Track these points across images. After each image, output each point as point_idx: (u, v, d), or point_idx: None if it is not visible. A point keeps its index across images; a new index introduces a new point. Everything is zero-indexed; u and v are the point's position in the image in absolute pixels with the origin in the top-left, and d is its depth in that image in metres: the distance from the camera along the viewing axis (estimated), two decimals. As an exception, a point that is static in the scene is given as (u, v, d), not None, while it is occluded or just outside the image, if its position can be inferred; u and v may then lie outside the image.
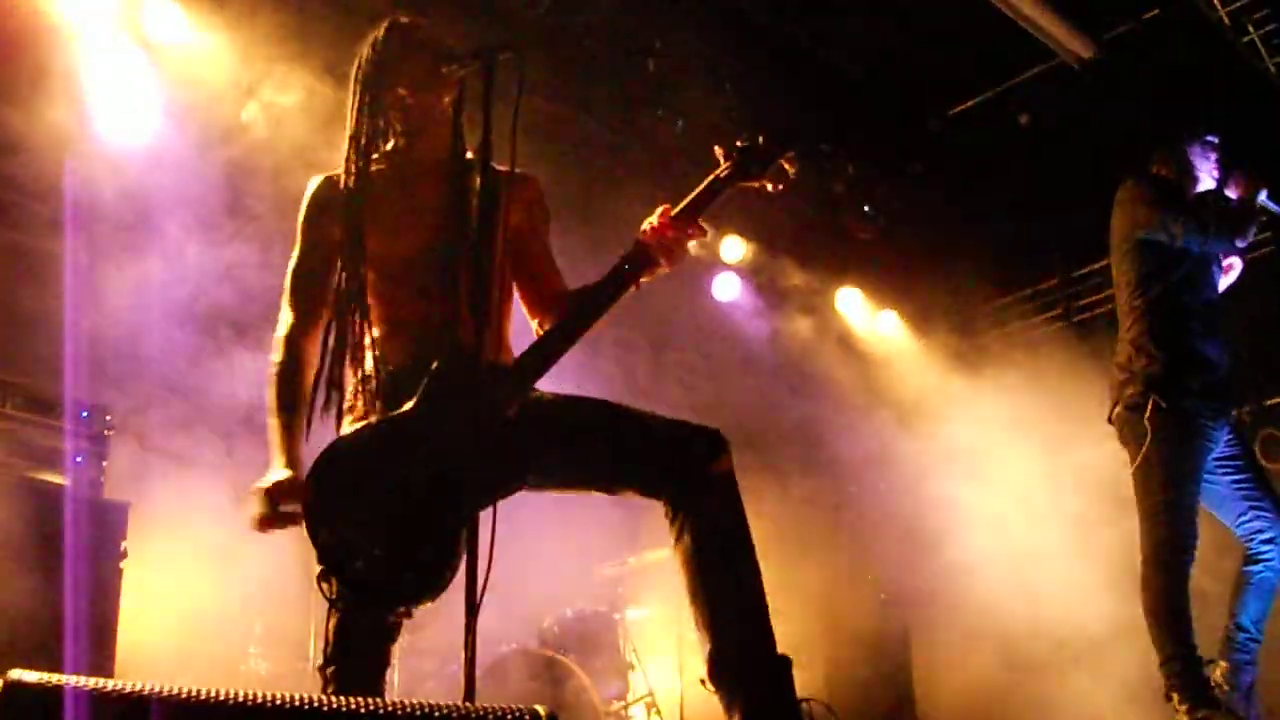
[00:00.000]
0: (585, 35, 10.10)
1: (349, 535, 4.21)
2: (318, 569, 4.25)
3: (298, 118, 8.72)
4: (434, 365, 4.44)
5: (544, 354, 4.60)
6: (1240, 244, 7.25)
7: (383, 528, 4.24)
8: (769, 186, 4.91)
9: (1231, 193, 7.37)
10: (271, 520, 4.39)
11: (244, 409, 8.79)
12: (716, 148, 4.94)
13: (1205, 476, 7.05)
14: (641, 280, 4.71)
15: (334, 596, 4.29)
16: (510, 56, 4.29)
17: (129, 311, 8.70)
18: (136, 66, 8.85)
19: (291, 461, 4.52)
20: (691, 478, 4.51)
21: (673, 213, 4.72)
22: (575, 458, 4.67)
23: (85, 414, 7.84)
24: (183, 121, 9.03)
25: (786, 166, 4.93)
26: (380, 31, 4.96)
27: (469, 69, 4.51)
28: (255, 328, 8.49)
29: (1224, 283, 7.51)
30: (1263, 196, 7.25)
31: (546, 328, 4.90)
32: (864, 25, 10.70)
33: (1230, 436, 7.19)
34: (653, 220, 4.73)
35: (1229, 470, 7.16)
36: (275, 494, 4.38)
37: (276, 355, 4.74)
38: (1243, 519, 7.14)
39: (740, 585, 4.47)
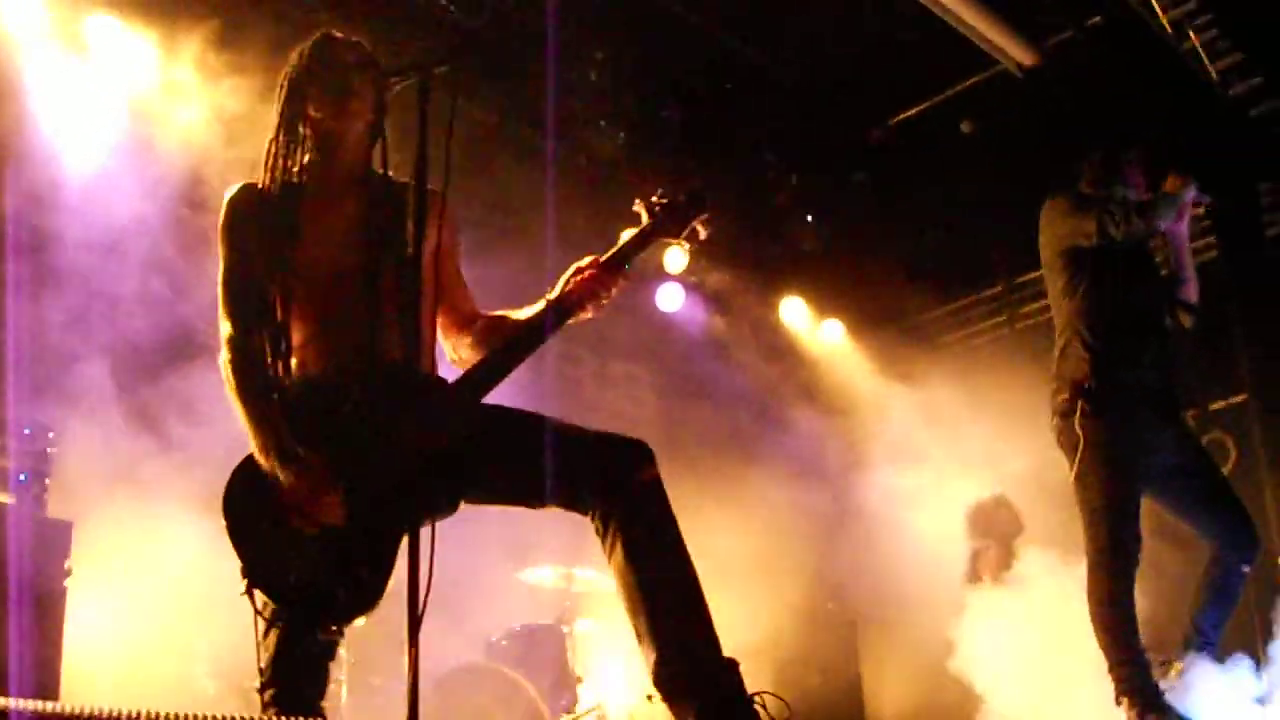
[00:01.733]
0: (526, 46, 10.06)
1: (278, 549, 4.19)
2: (244, 581, 4.24)
3: (244, 131, 8.65)
4: (365, 377, 4.43)
5: (475, 385, 4.66)
6: (1159, 225, 7.23)
7: (316, 543, 4.22)
8: (685, 246, 5.15)
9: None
10: (319, 509, 4.34)
11: (191, 426, 8.74)
12: (638, 201, 5.17)
13: (1162, 484, 7.08)
14: (568, 322, 4.85)
15: (263, 608, 4.28)
16: (446, 70, 4.27)
17: (70, 327, 8.63)
18: (79, 81, 8.82)
19: (289, 449, 4.43)
20: (618, 490, 4.52)
21: (601, 261, 4.88)
22: (502, 472, 4.68)
23: (27, 431, 7.78)
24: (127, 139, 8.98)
25: (700, 228, 5.18)
26: (308, 45, 4.95)
27: (405, 83, 4.46)
28: (202, 343, 8.43)
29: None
30: (1190, 193, 7.27)
31: (459, 351, 5.06)
32: (805, 34, 10.69)
33: (1180, 442, 7.21)
34: (581, 267, 4.88)
35: (1183, 476, 7.18)
36: (309, 485, 4.35)
37: (226, 353, 4.69)
38: (1203, 525, 7.17)
39: (678, 592, 4.47)
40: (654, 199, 5.15)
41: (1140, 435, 7.00)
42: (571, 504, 4.62)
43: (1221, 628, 7.13)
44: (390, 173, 4.90)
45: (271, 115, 4.98)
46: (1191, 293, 7.51)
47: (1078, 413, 6.99)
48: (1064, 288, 7.32)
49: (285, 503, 4.31)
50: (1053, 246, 7.41)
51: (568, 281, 4.88)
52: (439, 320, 4.95)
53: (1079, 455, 6.98)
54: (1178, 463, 7.17)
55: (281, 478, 4.34)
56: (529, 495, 4.69)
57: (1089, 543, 6.95)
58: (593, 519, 4.56)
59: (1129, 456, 6.95)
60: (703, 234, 5.19)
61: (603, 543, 4.54)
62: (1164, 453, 7.10)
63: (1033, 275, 12.75)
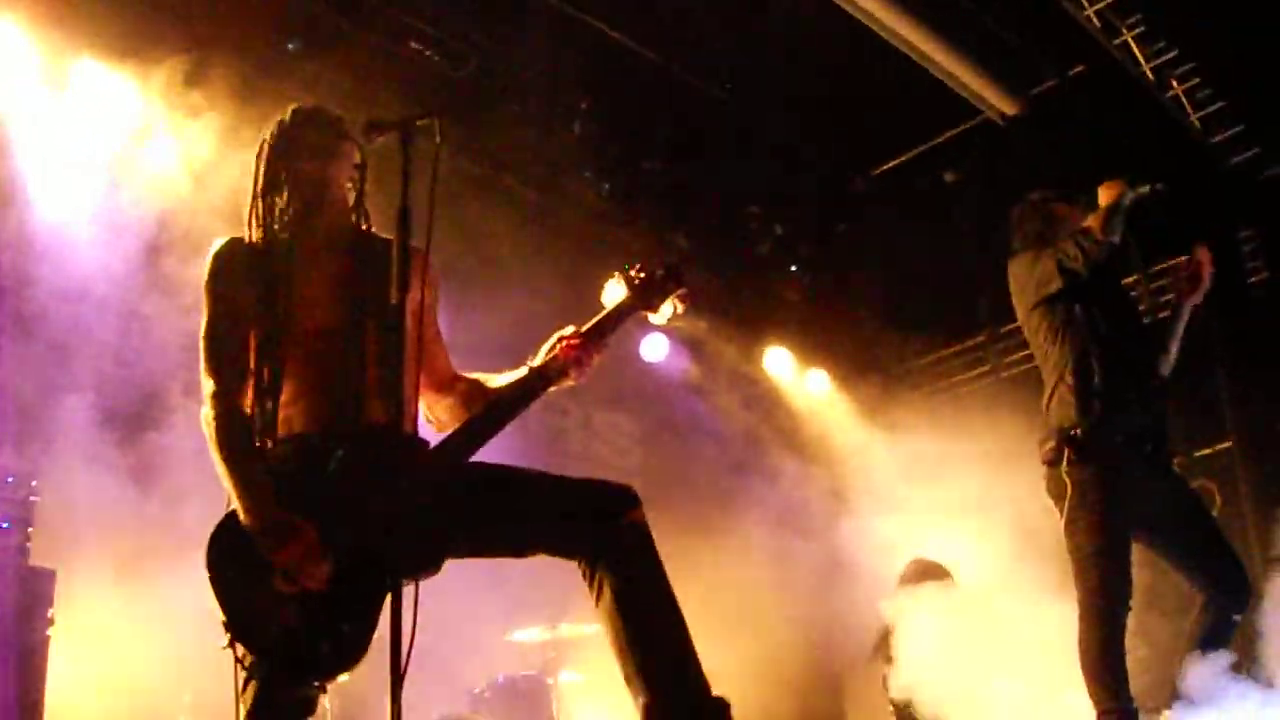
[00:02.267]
0: (511, 97, 10.08)
1: (262, 603, 4.18)
2: (226, 632, 4.23)
3: (219, 178, 8.65)
4: (349, 438, 4.43)
5: (457, 449, 4.69)
6: (1115, 239, 7.17)
7: (299, 599, 4.21)
8: (664, 320, 5.18)
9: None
10: (311, 580, 4.30)
11: (174, 472, 8.72)
12: (616, 274, 5.24)
13: (1152, 530, 7.05)
14: (550, 389, 4.93)
15: (244, 659, 4.27)
16: (429, 123, 4.28)
17: (51, 375, 8.61)
18: (64, 128, 8.83)
19: (277, 516, 4.37)
20: (604, 535, 4.55)
21: (581, 332, 4.97)
22: (487, 526, 4.69)
23: (10, 480, 7.76)
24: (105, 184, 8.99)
25: (677, 304, 5.30)
26: (286, 114, 4.98)
27: (387, 136, 4.46)
28: (182, 391, 8.43)
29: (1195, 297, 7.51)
30: (1130, 194, 7.25)
31: (434, 412, 5.10)
32: (787, 86, 10.71)
33: (1171, 488, 7.19)
34: (564, 336, 4.95)
35: (1174, 522, 7.15)
36: (305, 558, 4.30)
37: (208, 411, 4.63)
38: (1193, 572, 7.15)
39: (666, 633, 4.50)
40: (632, 272, 5.21)
41: (1129, 481, 6.95)
42: (559, 550, 4.64)
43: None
44: (373, 229, 4.95)
45: (251, 172, 5.01)
46: (1167, 365, 7.48)
47: (1064, 461, 6.98)
48: (1045, 339, 7.31)
49: (270, 564, 4.30)
50: (1026, 303, 7.42)
51: (551, 349, 4.94)
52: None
53: (1067, 503, 6.96)
54: (1169, 509, 7.12)
55: (266, 546, 4.32)
56: (516, 545, 4.72)
57: (1079, 589, 6.90)
58: (580, 564, 4.58)
59: (1117, 503, 6.91)
60: (680, 309, 5.29)
61: (590, 587, 4.56)
62: (1155, 498, 7.05)
63: (1016, 325, 12.82)
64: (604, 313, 5.11)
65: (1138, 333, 7.46)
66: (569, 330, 4.97)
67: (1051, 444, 7.07)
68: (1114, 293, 7.39)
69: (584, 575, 4.58)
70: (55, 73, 8.75)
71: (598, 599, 4.52)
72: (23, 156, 8.74)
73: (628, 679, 4.46)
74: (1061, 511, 7.00)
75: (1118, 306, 7.36)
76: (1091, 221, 7.18)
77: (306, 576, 4.27)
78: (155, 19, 8.72)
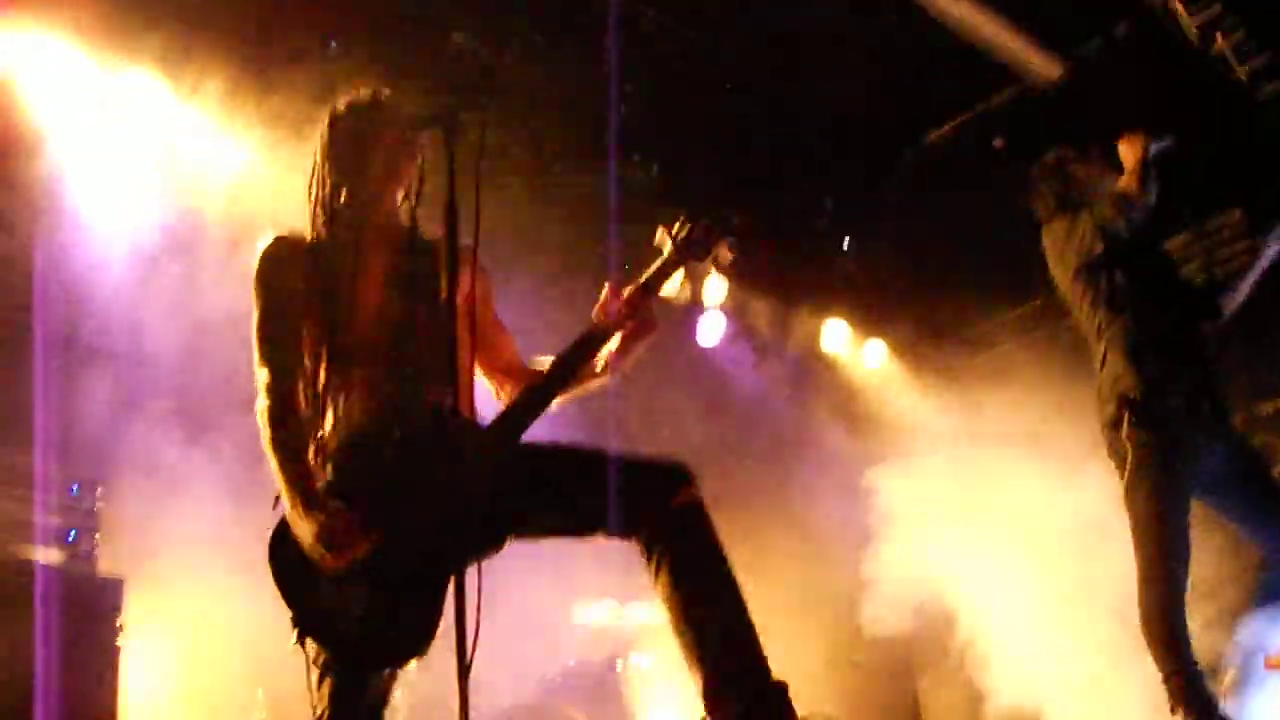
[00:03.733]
0: (553, 80, 10.08)
1: (329, 597, 4.21)
2: (295, 630, 4.26)
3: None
4: (406, 427, 4.46)
5: (513, 423, 4.70)
6: (1151, 195, 7.13)
7: (364, 588, 4.24)
8: (710, 268, 5.12)
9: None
10: (346, 554, 4.34)
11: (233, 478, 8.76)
12: (660, 229, 5.19)
13: (1212, 490, 7.03)
14: (628, 356, 5.03)
15: (316, 657, 4.31)
16: (472, 116, 4.29)
17: (114, 387, 8.67)
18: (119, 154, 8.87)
19: (314, 499, 4.43)
20: (659, 514, 4.55)
21: (625, 291, 4.95)
22: (546, 507, 4.70)
23: (75, 489, 7.82)
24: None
25: (725, 251, 5.20)
26: (350, 100, 5.01)
27: (431, 132, 4.48)
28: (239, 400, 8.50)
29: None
30: (1152, 149, 7.19)
31: (510, 394, 5.04)
32: (830, 62, 10.68)
33: (1231, 446, 7.16)
34: (613, 288, 4.97)
35: (1233, 481, 7.13)
36: (335, 532, 4.34)
37: (262, 402, 4.69)
38: (1253, 530, 7.13)
39: (724, 614, 4.49)
40: (675, 226, 5.17)
41: (1189, 443, 6.95)
42: (617, 531, 4.64)
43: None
44: (421, 226, 4.97)
45: (312, 161, 5.04)
46: (1230, 303, 7.45)
47: (1124, 423, 6.97)
48: (1090, 305, 7.29)
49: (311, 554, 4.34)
50: (1067, 271, 7.40)
51: (602, 305, 4.95)
52: (484, 368, 5.00)
53: (1128, 466, 6.96)
54: (1228, 467, 7.10)
55: (301, 531, 4.37)
56: (575, 526, 4.74)
57: (1138, 553, 6.88)
58: (638, 544, 4.58)
59: (1178, 465, 6.89)
60: (729, 258, 5.22)
61: (648, 567, 4.56)
62: (1215, 458, 7.04)
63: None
64: (650, 269, 5.09)
65: (1181, 292, 7.43)
66: (605, 290, 4.97)
67: (1111, 407, 7.05)
68: (1154, 253, 7.37)
69: (641, 555, 4.58)
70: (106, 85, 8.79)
71: (655, 578, 4.53)
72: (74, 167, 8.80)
73: (687, 659, 4.46)
74: (1121, 474, 6.99)
75: (1158, 267, 7.33)
76: (1124, 182, 7.15)
77: (339, 552, 4.30)
78: (200, 29, 8.76)
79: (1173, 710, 6.67)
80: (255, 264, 4.93)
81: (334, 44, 9.00)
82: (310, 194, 5.01)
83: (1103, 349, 7.22)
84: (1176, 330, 7.18)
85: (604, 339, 4.91)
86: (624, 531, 4.64)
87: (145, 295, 8.89)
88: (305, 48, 8.86)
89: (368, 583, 4.30)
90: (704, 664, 4.42)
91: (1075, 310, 7.50)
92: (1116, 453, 7.05)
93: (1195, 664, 6.67)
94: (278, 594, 4.40)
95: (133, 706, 7.55)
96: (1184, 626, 6.72)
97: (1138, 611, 6.85)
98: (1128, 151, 7.25)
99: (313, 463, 4.62)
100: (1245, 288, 7.45)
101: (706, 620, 4.46)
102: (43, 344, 8.43)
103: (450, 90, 8.97)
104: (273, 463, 4.57)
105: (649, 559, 4.57)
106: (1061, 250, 7.38)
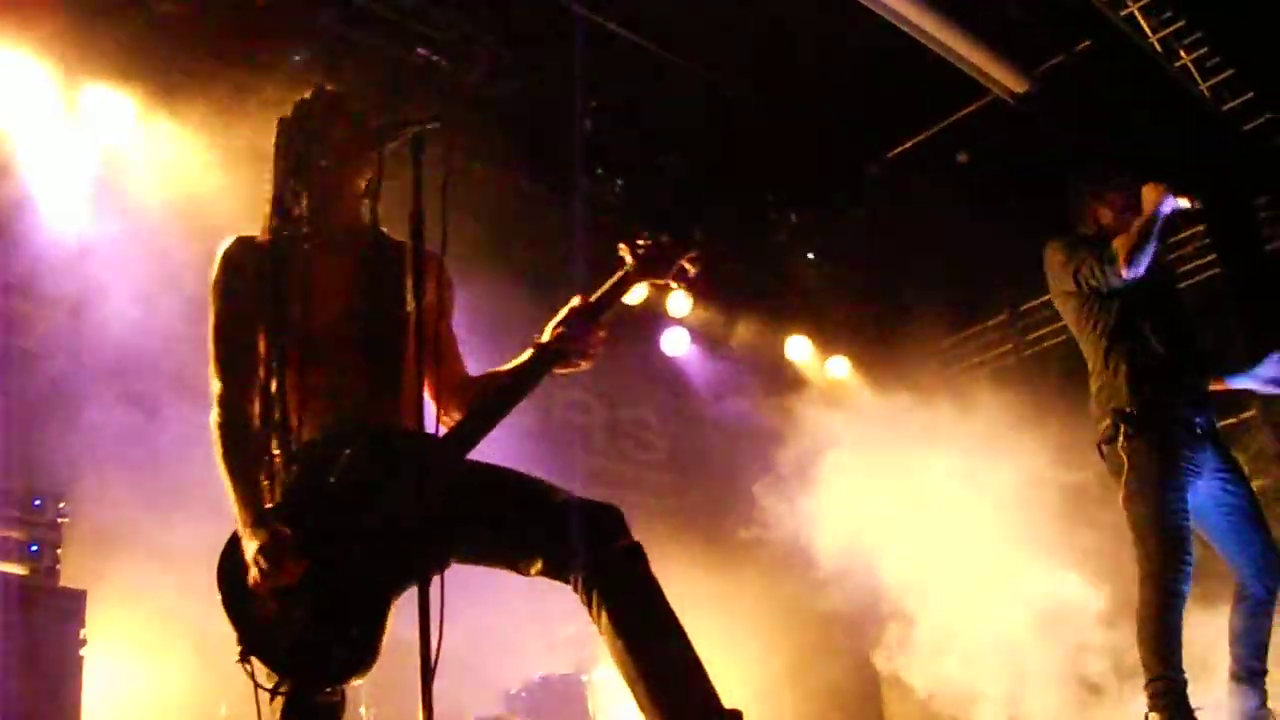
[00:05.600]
0: (521, 96, 10.09)
1: (271, 613, 4.18)
2: (238, 650, 4.22)
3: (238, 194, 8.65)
4: (355, 439, 4.43)
5: (462, 439, 4.62)
6: (1136, 272, 7.15)
7: (306, 605, 4.20)
8: (672, 284, 5.05)
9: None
10: (279, 578, 4.27)
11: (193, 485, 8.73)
12: (621, 245, 5.05)
13: (1200, 506, 7.04)
14: (563, 372, 4.85)
15: (262, 678, 4.27)
16: (438, 126, 4.27)
17: (73, 399, 8.64)
18: (71, 150, 8.84)
19: (261, 518, 4.37)
20: (596, 560, 4.45)
21: (580, 307, 4.84)
22: (486, 537, 4.62)
23: (38, 503, 7.79)
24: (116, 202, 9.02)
25: (687, 266, 5.09)
26: (307, 96, 4.96)
27: (398, 140, 4.45)
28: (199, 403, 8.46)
29: None
30: (1167, 206, 7.19)
31: (451, 415, 4.93)
32: (796, 72, 10.70)
33: (1219, 465, 7.18)
34: (573, 308, 4.85)
35: (1221, 500, 7.14)
36: (272, 555, 4.27)
37: (215, 415, 4.62)
38: (1231, 553, 7.14)
39: (668, 656, 4.41)
40: (638, 241, 5.07)
41: (1183, 452, 6.99)
42: (553, 573, 4.56)
43: (1262, 654, 7.07)
44: (385, 230, 4.91)
45: (268, 165, 4.99)
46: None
47: (1120, 436, 7.01)
48: (1081, 322, 7.34)
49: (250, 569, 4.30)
50: (1058, 290, 7.45)
51: (557, 324, 4.84)
52: (432, 384, 4.92)
53: (1124, 476, 6.98)
54: (1216, 486, 7.14)
55: (247, 546, 4.31)
56: (515, 556, 4.62)
57: (1139, 561, 6.91)
58: (574, 588, 4.52)
59: (1175, 474, 6.93)
60: (691, 272, 5.11)
61: (588, 606, 4.49)
62: (1204, 473, 7.08)
63: (1037, 302, 12.82)
64: (605, 285, 4.97)
65: (1175, 309, 7.46)
66: (577, 301, 4.87)
67: (1107, 422, 7.09)
68: (1156, 276, 7.36)
69: (579, 593, 4.51)
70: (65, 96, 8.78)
71: (597, 622, 4.42)
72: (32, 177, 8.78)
73: (638, 704, 4.41)
74: (1120, 487, 7.01)
75: (1154, 285, 7.33)
76: (1119, 243, 7.16)
77: (273, 574, 4.23)
78: (158, 39, 8.75)
79: (1146, 716, 6.68)
80: (214, 267, 4.83)
81: (297, 58, 8.98)
82: (268, 195, 4.95)
83: (1096, 365, 7.26)
84: (1169, 349, 7.20)
85: (560, 358, 4.86)
86: (559, 572, 4.55)
87: (105, 300, 8.84)
88: (271, 62, 8.83)
89: (310, 599, 4.25)
90: (655, 708, 4.36)
91: (1067, 322, 7.54)
92: (1114, 466, 7.08)
93: (1182, 673, 6.68)
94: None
95: (95, 718, 7.49)
96: (1177, 634, 6.71)
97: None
98: (1146, 196, 7.27)
99: (262, 479, 4.55)
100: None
101: (654, 662, 4.36)
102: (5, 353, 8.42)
103: (417, 105, 8.95)
104: (224, 478, 4.52)
105: (588, 603, 4.48)
106: (1055, 273, 7.40)
